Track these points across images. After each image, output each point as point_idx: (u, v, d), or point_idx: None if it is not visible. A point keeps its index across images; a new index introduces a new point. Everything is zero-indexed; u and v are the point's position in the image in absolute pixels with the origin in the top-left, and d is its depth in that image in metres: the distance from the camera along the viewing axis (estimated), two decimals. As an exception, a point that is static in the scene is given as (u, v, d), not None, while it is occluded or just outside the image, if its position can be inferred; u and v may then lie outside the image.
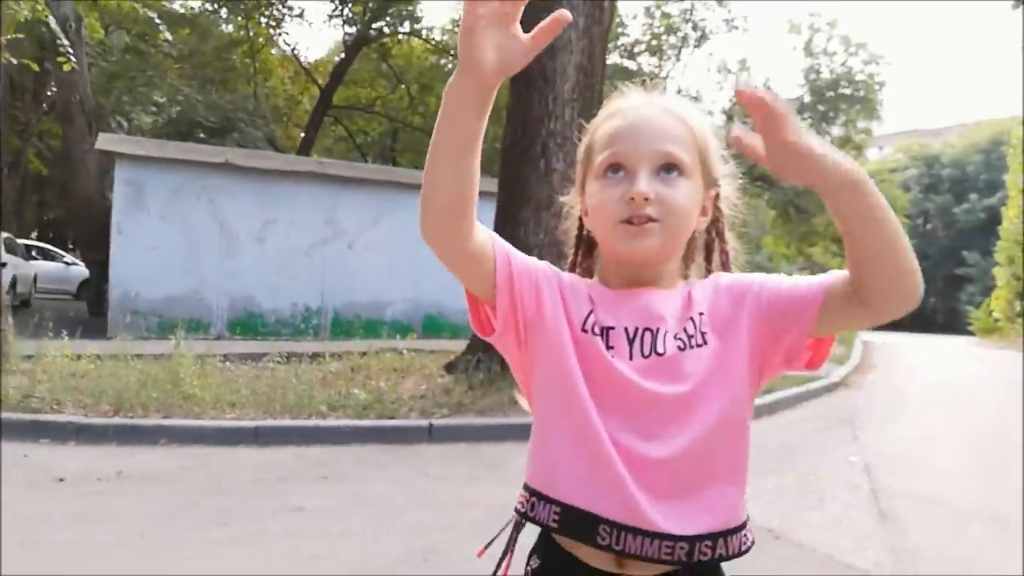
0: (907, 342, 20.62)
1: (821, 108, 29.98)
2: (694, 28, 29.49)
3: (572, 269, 1.10)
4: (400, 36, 21.30)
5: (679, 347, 0.95)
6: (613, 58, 26.69)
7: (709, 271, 1.06)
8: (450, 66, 24.18)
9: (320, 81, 22.14)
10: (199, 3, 20.86)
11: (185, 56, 20.54)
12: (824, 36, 30.17)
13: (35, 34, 11.10)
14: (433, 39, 22.31)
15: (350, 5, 19.99)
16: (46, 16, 7.26)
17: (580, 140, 1.07)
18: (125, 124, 20.85)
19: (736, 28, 30.72)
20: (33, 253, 20.51)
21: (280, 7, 20.07)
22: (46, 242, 24.76)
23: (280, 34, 22.09)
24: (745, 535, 0.97)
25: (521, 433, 3.91)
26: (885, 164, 46.83)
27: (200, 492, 4.08)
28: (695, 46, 30.30)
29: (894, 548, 3.55)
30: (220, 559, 3.15)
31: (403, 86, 22.77)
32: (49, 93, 19.80)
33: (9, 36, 6.55)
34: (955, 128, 51.97)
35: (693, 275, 1.06)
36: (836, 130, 30.35)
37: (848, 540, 3.63)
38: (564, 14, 0.80)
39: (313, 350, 8.27)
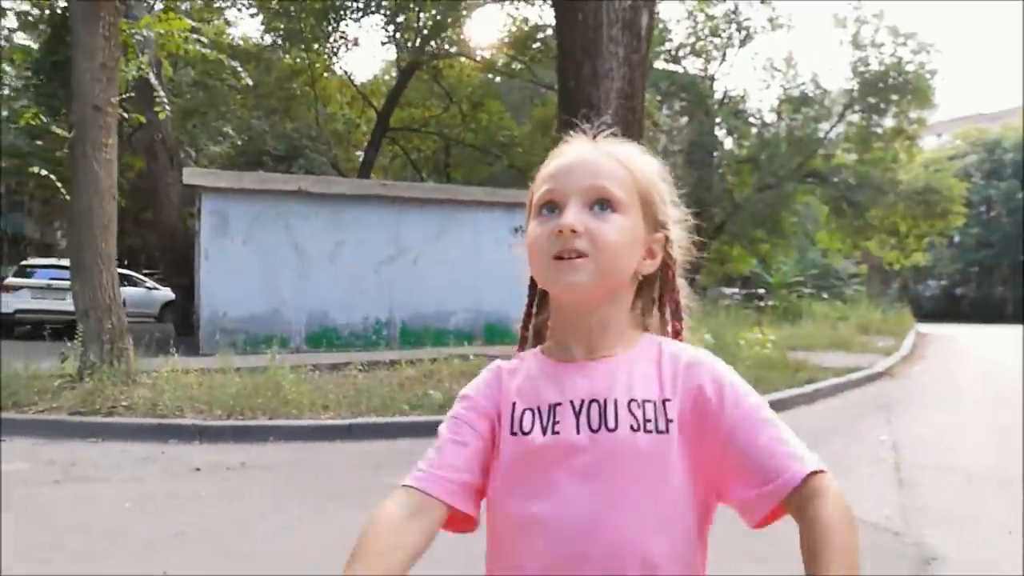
0: (965, 333, 20.53)
1: (872, 100, 29.67)
2: (738, 28, 29.65)
3: (526, 322, 1.06)
4: (450, 57, 22.20)
5: (632, 426, 0.88)
6: (658, 63, 27.07)
7: (661, 321, 1.02)
8: (498, 80, 25.07)
9: (375, 104, 23.24)
10: (258, 35, 22.19)
11: (249, 88, 21.85)
12: (871, 28, 29.71)
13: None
14: (482, 57, 23.19)
15: (402, 32, 21.02)
16: (147, 73, 8.25)
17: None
18: (194, 154, 22.26)
19: (781, 27, 30.78)
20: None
21: (337, 36, 21.20)
22: (127, 269, 26.39)
23: (337, 61, 23.31)
24: None
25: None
26: (943, 152, 45.82)
27: (312, 476, 4.89)
28: (740, 46, 30.44)
29: (905, 508, 4.11)
30: (336, 525, 3.91)
31: (455, 104, 23.68)
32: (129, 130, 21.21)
33: (122, 95, 7.50)
34: (1015, 111, 50.32)
35: (652, 327, 1.02)
36: (888, 121, 30.03)
37: (867, 502, 4.20)
38: None
39: (388, 358, 9.09)
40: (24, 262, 16.98)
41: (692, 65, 30.08)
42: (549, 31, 21.30)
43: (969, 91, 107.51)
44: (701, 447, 0.87)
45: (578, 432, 0.89)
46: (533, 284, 1.03)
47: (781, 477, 0.82)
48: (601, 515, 0.86)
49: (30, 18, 9.01)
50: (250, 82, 9.96)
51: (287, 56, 22.87)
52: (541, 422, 0.91)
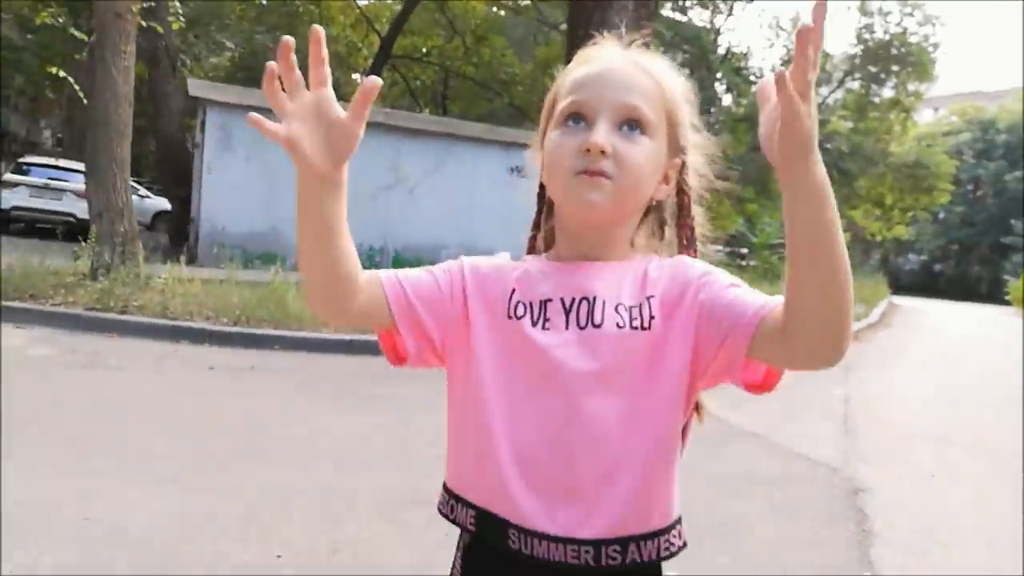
0: (936, 308, 21.23)
1: (873, 69, 29.76)
2: (747, -15, 29.40)
3: (535, 229, 1.06)
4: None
5: (617, 324, 0.89)
6: (665, 11, 26.90)
7: (680, 246, 1.01)
8: (503, 13, 24.92)
9: (379, 28, 23.08)
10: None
11: (252, 2, 21.61)
12: None
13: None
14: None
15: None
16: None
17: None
18: (189, 63, 22.09)
19: None
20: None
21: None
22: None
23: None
24: (668, 540, 0.90)
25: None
26: (939, 127, 46.09)
27: (317, 382, 5.36)
28: (745, 3, 30.29)
29: (846, 451, 4.66)
30: (344, 422, 4.39)
31: (458, 36, 23.56)
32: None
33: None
34: (1015, 91, 50.14)
35: (661, 251, 1.00)
36: (886, 92, 30.14)
37: (814, 443, 4.74)
38: (372, 82, 0.80)
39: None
40: (22, 160, 16.98)
41: (698, 16, 29.91)
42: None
43: (971, 67, 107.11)
44: (684, 332, 0.88)
45: (567, 328, 0.90)
46: (542, 192, 1.03)
47: (751, 310, 0.84)
48: (585, 407, 0.87)
49: None
50: (264, 2, 10.02)
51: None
52: (532, 316, 0.92)
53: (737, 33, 62.92)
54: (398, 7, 25.30)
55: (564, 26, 20.55)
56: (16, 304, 6.67)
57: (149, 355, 5.75)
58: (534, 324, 0.91)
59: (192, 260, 11.12)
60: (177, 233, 15.52)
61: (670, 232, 1.01)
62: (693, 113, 0.97)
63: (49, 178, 15.68)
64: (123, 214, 7.64)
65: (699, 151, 1.00)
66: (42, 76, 28.65)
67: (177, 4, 8.85)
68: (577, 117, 0.90)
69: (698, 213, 1.01)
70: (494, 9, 24.38)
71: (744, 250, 26.19)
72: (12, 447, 3.41)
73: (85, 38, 7.79)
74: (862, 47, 29.26)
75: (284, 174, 12.14)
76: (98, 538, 2.60)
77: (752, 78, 30.79)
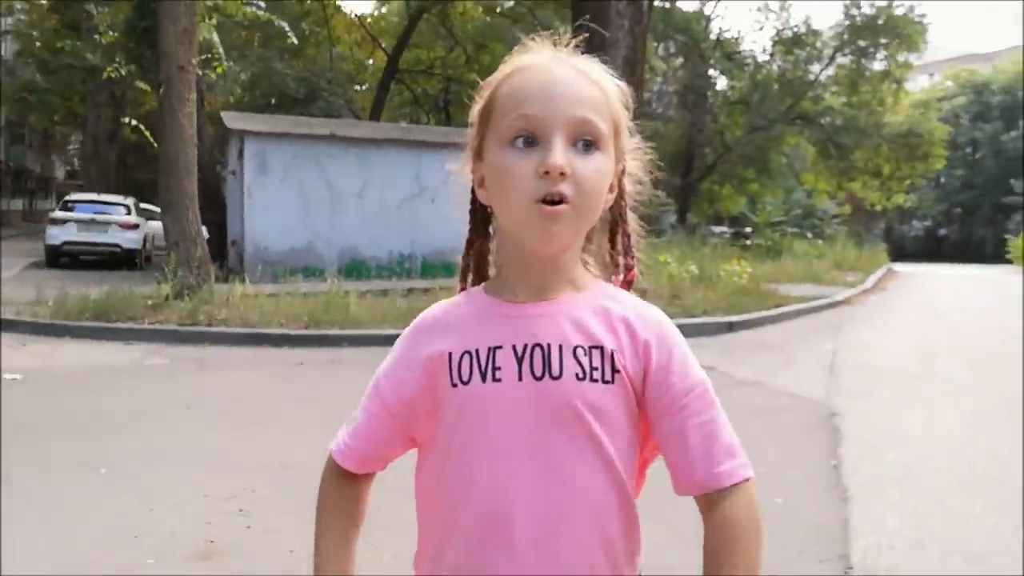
0: (937, 272, 22.08)
1: (862, 44, 30.39)
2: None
3: (468, 248, 0.99)
4: (458, 1, 23.13)
5: (577, 375, 0.85)
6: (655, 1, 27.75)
7: (612, 256, 0.97)
8: (504, 22, 25.98)
9: (384, 45, 24.20)
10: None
11: (259, 26, 22.73)
12: None
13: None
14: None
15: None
16: (212, 34, 9.50)
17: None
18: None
19: None
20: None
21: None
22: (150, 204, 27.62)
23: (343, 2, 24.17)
24: None
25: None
26: (934, 92, 46.80)
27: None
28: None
29: (828, 388, 5.72)
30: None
31: (459, 46, 24.66)
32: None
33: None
34: (1009, 51, 50.54)
35: (593, 262, 0.95)
36: (877, 64, 30.77)
37: (802, 384, 5.81)
38: None
39: (422, 286, 10.63)
40: (68, 198, 18.17)
41: (687, 5, 30.76)
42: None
43: (964, 30, 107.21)
44: (642, 403, 0.87)
45: (520, 379, 0.85)
46: (474, 211, 0.98)
47: (713, 471, 0.85)
48: (546, 465, 0.84)
49: None
50: (295, 41, 11.11)
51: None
52: (480, 366, 0.86)
53: (727, 18, 63.43)
54: (395, 19, 26.46)
55: (563, 28, 21.59)
56: (119, 325, 7.83)
57: (242, 358, 6.87)
58: (483, 377, 0.86)
59: (240, 278, 12.24)
60: (217, 254, 16.70)
61: (601, 238, 0.97)
62: (629, 117, 0.93)
63: (95, 213, 16.86)
64: (196, 241, 8.78)
65: (633, 156, 0.95)
66: (64, 114, 29.96)
67: (221, 51, 9.90)
68: (528, 135, 0.83)
69: (632, 219, 0.97)
70: (491, 18, 25.44)
71: (748, 229, 27.11)
72: (183, 423, 4.53)
73: (148, 89, 8.88)
74: (849, 23, 29.95)
75: (315, 192, 13.29)
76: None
77: (744, 62, 31.67)
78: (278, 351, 7.22)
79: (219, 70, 10.22)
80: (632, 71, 8.95)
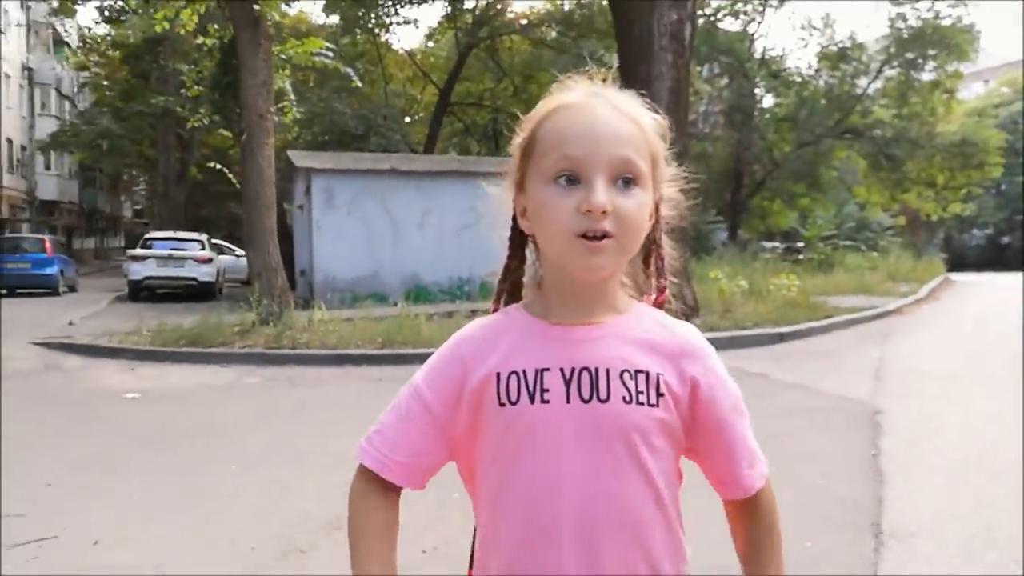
0: (993, 280, 21.82)
1: (909, 56, 30.19)
2: (775, -11, 30.47)
3: (506, 273, 1.03)
4: (505, 36, 24.02)
5: (624, 398, 0.89)
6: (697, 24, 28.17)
7: (647, 275, 1.01)
8: (550, 54, 26.76)
9: (435, 80, 25.19)
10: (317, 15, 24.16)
11: (312, 68, 23.94)
12: None
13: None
14: (531, 31, 24.92)
15: (459, 14, 22.88)
16: (285, 83, 10.34)
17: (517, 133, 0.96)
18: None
19: None
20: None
21: (400, 19, 23.08)
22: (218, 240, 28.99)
23: (397, 41, 25.30)
24: None
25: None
26: (990, 99, 45.99)
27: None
28: (776, 7, 31.34)
29: (873, 390, 6.10)
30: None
31: (507, 78, 25.51)
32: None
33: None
34: (1066, 56, 49.07)
35: (630, 283, 1.00)
36: (926, 75, 30.54)
37: (847, 387, 6.19)
38: None
39: (486, 307, 11.24)
40: (147, 236, 19.37)
41: (731, 25, 31.02)
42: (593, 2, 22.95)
43: (1019, 35, 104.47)
44: (684, 424, 0.92)
45: (568, 401, 0.89)
46: (514, 238, 1.00)
47: (755, 473, 0.96)
48: (593, 487, 0.88)
49: (205, 47, 11.15)
50: (360, 84, 11.93)
51: (352, 37, 24.86)
52: (528, 388, 0.90)
53: (771, 37, 63.48)
54: (443, 52, 27.46)
55: (606, 57, 22.23)
56: (213, 350, 8.60)
57: (328, 376, 7.54)
58: (531, 399, 0.89)
59: (311, 305, 13.05)
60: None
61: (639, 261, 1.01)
62: (666, 147, 0.96)
63: (172, 249, 17.98)
64: (277, 272, 9.56)
65: (671, 184, 0.99)
66: (135, 158, 31.70)
67: (293, 98, 10.77)
68: (570, 175, 0.87)
69: (667, 242, 1.01)
70: (537, 49, 26.25)
71: (800, 244, 27.15)
72: (290, 428, 5.17)
73: (229, 134, 9.75)
74: (896, 36, 29.82)
75: (378, 223, 14.08)
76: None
77: (790, 79, 31.79)
78: (359, 369, 7.87)
79: (289, 115, 11.06)
80: (677, 101, 9.47)
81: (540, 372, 0.90)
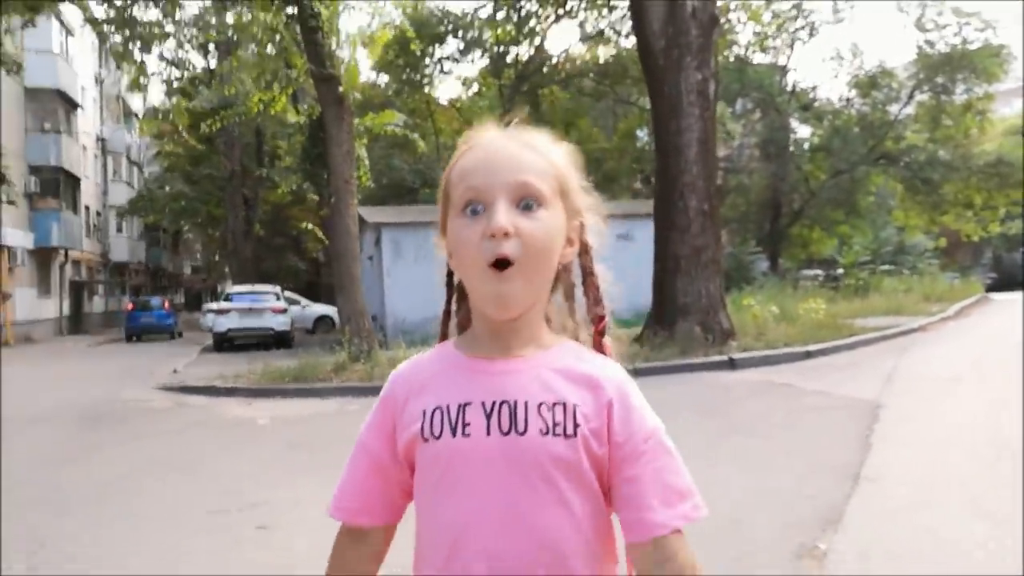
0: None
1: (939, 80, 30.87)
2: (804, 24, 31.62)
3: (446, 319, 1.09)
4: (546, 87, 25.75)
5: (540, 430, 0.91)
6: (730, 58, 29.42)
7: (588, 307, 1.04)
8: (587, 101, 28.37)
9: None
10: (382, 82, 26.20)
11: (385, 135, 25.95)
12: (935, 10, 30.53)
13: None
14: (571, 81, 26.61)
15: (502, 69, 24.68)
16: (363, 151, 11.94)
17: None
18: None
19: (842, 20, 32.38)
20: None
21: (449, 78, 24.97)
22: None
23: (442, 93, 27.25)
24: None
25: (675, 370, 8.11)
26: (1027, 119, 46.22)
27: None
28: (804, 42, 32.45)
29: (881, 391, 7.22)
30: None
31: (548, 125, 27.09)
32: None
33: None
34: (1106, 68, 48.77)
35: (572, 319, 1.03)
36: (957, 98, 31.11)
37: (858, 390, 7.32)
38: None
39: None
40: (228, 291, 21.21)
41: (761, 59, 32.15)
42: (624, 52, 24.48)
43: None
44: (603, 454, 0.92)
45: (488, 434, 0.91)
46: (450, 276, 1.07)
47: (669, 512, 0.90)
48: (513, 518, 0.90)
49: (299, 123, 12.96)
50: (423, 147, 13.50)
51: (404, 96, 26.83)
52: (451, 422, 0.93)
53: (801, 70, 64.43)
54: (484, 103, 29.23)
55: (641, 101, 23.62)
56: (314, 385, 10.06)
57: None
58: (453, 432, 0.93)
59: (385, 345, 14.51)
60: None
61: (578, 292, 1.04)
62: (580, 177, 1.00)
63: (251, 302, 19.71)
64: (363, 315, 11.03)
65: (593, 212, 1.02)
66: (206, 217, 34.02)
67: (367, 163, 12.36)
68: (476, 204, 0.92)
69: (601, 271, 1.03)
70: (575, 97, 27.89)
71: (840, 270, 27.92)
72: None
73: (317, 197, 11.31)
74: (924, 61, 30.58)
75: (441, 271, 15.50)
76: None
77: (822, 109, 32.79)
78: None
79: (366, 180, 12.56)
80: (705, 149, 10.78)
81: (462, 407, 0.93)
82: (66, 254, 32.69)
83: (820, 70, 67.06)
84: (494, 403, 0.93)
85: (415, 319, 15.29)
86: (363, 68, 24.27)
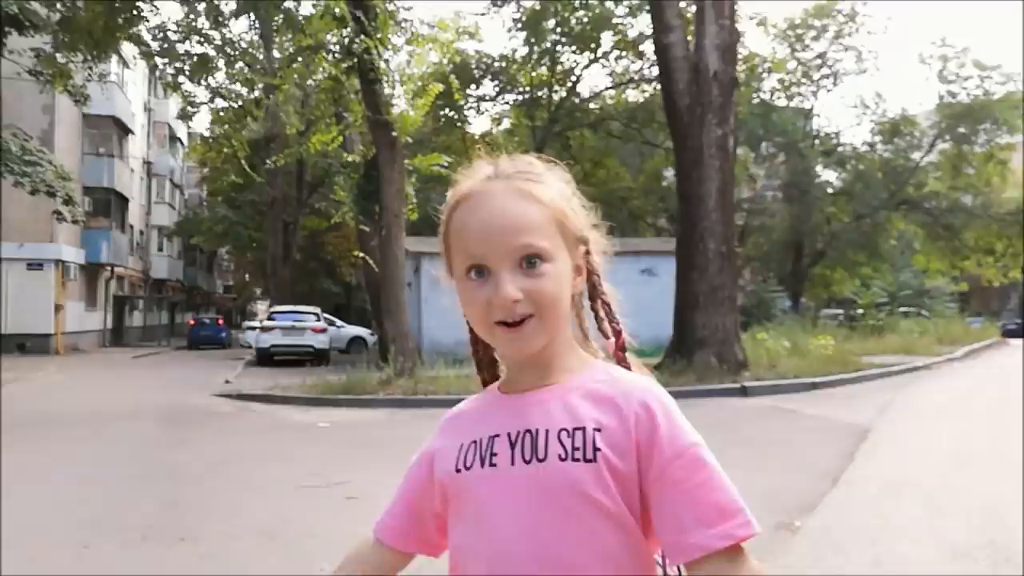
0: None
1: (961, 130, 31.67)
2: (828, 72, 32.64)
3: (474, 346, 1.13)
4: (576, 129, 26.98)
5: (559, 455, 0.91)
6: (756, 100, 30.44)
7: (599, 321, 1.03)
8: (615, 142, 29.55)
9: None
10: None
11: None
12: (957, 63, 31.40)
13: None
14: (600, 124, 27.83)
15: (535, 110, 25.98)
16: (411, 189, 13.08)
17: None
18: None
19: (866, 71, 33.40)
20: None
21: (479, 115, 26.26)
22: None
23: (475, 131, 28.56)
24: None
25: (691, 395, 9.06)
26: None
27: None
28: (828, 90, 33.39)
29: (874, 419, 8.13)
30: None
31: (577, 163, 28.37)
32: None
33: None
34: None
35: (587, 334, 1.05)
36: (978, 148, 31.87)
37: (854, 416, 8.24)
38: None
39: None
40: (273, 310, 22.47)
41: (784, 102, 33.11)
42: (651, 97, 25.68)
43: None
44: (633, 474, 0.89)
45: (512, 463, 0.93)
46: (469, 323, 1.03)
47: (708, 532, 0.85)
48: (536, 546, 0.90)
49: (356, 161, 14.27)
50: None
51: (442, 135, 28.18)
52: (480, 454, 0.95)
53: (824, 116, 65.26)
54: (516, 139, 30.52)
55: (666, 142, 24.79)
56: (363, 396, 11.13)
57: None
58: (482, 464, 0.95)
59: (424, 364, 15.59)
60: (384, 351, 20.32)
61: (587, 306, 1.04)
62: (575, 199, 0.99)
63: (293, 321, 20.93)
64: (407, 336, 12.11)
65: (592, 229, 1.02)
66: (247, 241, 35.46)
67: (414, 200, 13.49)
68: (479, 269, 0.92)
69: (608, 287, 1.04)
70: (602, 139, 29.10)
71: (860, 311, 28.60)
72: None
73: (368, 228, 12.45)
74: (946, 111, 31.42)
75: (476, 297, 16.64)
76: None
77: (845, 154, 33.68)
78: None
79: (414, 215, 13.57)
80: (723, 198, 11.83)
81: (492, 439, 0.96)
82: (112, 270, 34.32)
83: (844, 116, 68.01)
84: (518, 432, 0.94)
85: (448, 342, 16.34)
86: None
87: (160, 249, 44.04)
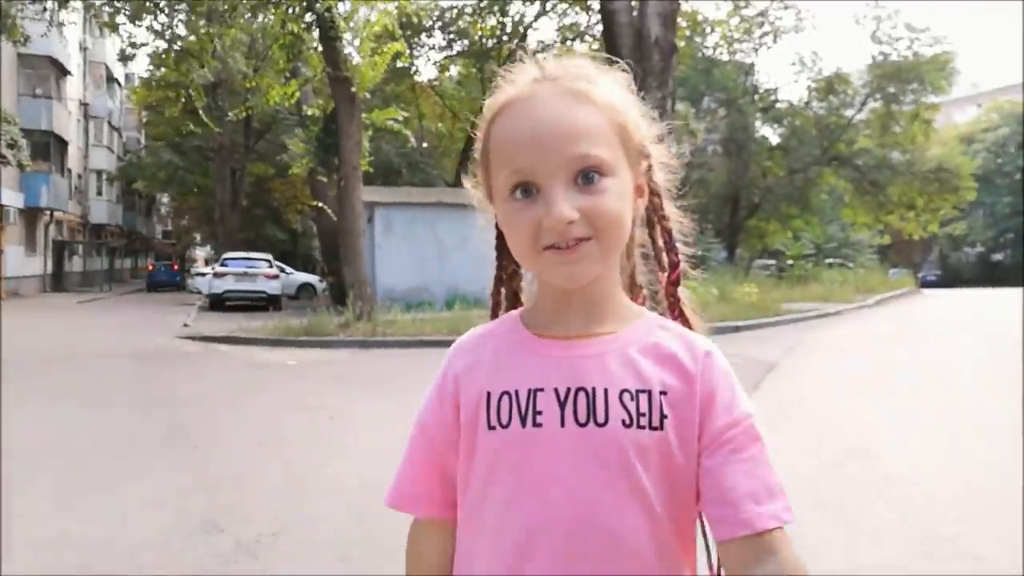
0: (953, 295, 24.80)
1: (891, 90, 33.18)
2: (769, 30, 33.70)
3: (498, 285, 1.01)
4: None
5: (623, 421, 0.81)
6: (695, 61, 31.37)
7: (656, 253, 0.92)
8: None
9: (463, 118, 28.66)
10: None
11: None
12: (889, 24, 32.74)
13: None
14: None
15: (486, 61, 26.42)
16: (367, 142, 13.68)
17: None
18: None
19: (804, 29, 34.59)
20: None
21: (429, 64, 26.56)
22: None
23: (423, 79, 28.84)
24: None
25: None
26: (979, 124, 49.35)
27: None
28: (768, 47, 34.51)
29: (780, 355, 9.30)
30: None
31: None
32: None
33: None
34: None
35: (638, 265, 0.94)
36: (906, 108, 33.46)
37: (764, 353, 9.40)
38: None
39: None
40: (225, 256, 22.79)
41: (728, 59, 34.14)
42: (599, 53, 26.28)
43: (1013, 60, 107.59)
44: (694, 441, 0.82)
45: (563, 425, 0.81)
46: (500, 247, 0.95)
47: (758, 511, 0.79)
48: (589, 518, 0.81)
49: (316, 114, 14.69)
50: (415, 144, 15.23)
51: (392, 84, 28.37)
52: (520, 410, 0.83)
53: (763, 73, 66.78)
54: (465, 92, 30.91)
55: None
56: (325, 338, 11.90)
57: (413, 354, 10.79)
58: (523, 422, 0.83)
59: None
60: (338, 295, 20.98)
61: (642, 235, 0.93)
62: (638, 105, 0.87)
63: (246, 267, 21.35)
64: (365, 282, 12.86)
65: (657, 142, 0.89)
66: (193, 187, 35.26)
67: (368, 153, 14.09)
68: (525, 187, 0.79)
69: (672, 211, 0.92)
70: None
71: (790, 261, 30.26)
72: (407, 381, 8.45)
73: (326, 179, 13.06)
74: (877, 71, 32.88)
75: (427, 245, 17.43)
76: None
77: (782, 110, 35.03)
78: (437, 351, 11.12)
79: (366, 166, 14.19)
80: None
81: (533, 392, 0.83)
82: (51, 215, 33.79)
83: (783, 73, 69.76)
84: (569, 390, 0.82)
85: (401, 288, 17.18)
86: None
87: (99, 193, 43.21)
